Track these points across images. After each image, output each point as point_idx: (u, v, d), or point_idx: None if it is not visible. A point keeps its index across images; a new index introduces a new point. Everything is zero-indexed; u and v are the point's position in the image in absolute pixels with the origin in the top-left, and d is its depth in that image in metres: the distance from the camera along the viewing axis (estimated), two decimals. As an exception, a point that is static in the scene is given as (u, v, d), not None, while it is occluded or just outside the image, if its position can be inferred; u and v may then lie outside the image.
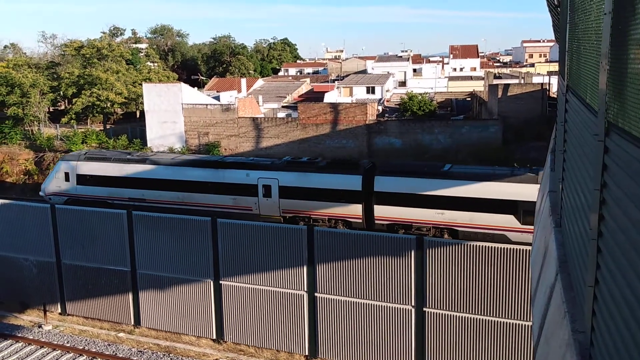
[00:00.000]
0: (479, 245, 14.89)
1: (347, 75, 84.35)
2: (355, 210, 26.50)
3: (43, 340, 18.10)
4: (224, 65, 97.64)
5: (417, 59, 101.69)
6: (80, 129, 58.67)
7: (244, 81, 74.05)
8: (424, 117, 50.93)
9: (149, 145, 51.04)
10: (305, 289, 16.79)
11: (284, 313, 17.14)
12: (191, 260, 18.08)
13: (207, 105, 52.14)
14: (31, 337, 18.27)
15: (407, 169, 26.76)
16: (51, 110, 69.57)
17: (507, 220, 23.72)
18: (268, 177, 28.03)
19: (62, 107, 74.57)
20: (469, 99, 64.04)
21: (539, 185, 17.65)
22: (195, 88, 62.05)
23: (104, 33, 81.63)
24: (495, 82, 58.18)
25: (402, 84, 79.46)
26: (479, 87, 70.38)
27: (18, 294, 20.78)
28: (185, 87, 53.57)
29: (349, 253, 16.13)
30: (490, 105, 49.04)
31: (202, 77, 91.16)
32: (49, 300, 20.13)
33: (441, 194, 24.71)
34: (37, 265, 20.17)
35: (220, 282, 17.77)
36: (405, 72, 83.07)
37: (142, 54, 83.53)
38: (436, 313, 15.41)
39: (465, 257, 14.91)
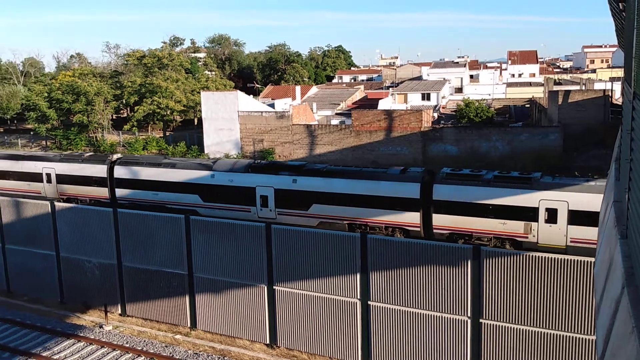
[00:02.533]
0: (538, 256, 14.45)
1: (401, 82, 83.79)
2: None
3: (104, 340, 18.71)
4: (279, 73, 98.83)
5: (474, 65, 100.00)
6: (142, 135, 60.67)
7: (298, 89, 74.74)
8: (481, 124, 49.95)
9: (206, 151, 52.22)
10: (359, 297, 16.72)
11: (336, 320, 17.12)
12: (245, 265, 18.33)
13: (262, 112, 52.90)
14: (92, 337, 18.92)
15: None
16: (114, 117, 72.26)
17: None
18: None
19: (125, 115, 77.34)
20: (528, 105, 62.41)
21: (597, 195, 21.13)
22: (251, 96, 63.08)
23: (164, 43, 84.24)
24: (556, 88, 56.47)
25: (459, 90, 78.25)
26: (538, 93, 68.48)
27: (81, 294, 21.60)
28: (241, 95, 54.57)
29: (403, 261, 15.97)
30: (550, 112, 47.63)
31: (258, 85, 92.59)
32: (110, 301, 20.81)
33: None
34: (99, 267, 20.91)
35: (274, 287, 17.94)
36: (461, 79, 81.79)
37: (201, 63, 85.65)
38: (493, 325, 15.04)
39: (525, 267, 14.51)
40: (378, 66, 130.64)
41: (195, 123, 66.99)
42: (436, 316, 15.71)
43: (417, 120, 46.64)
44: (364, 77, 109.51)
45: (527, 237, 25.41)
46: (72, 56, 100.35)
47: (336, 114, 64.77)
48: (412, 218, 27.33)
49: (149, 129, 66.13)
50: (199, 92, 59.52)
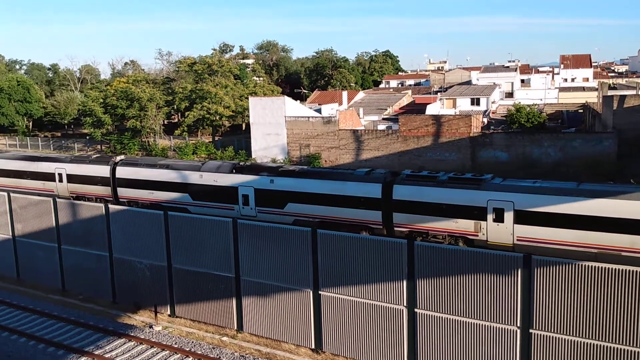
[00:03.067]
0: (592, 266, 13.99)
1: (450, 87, 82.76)
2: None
3: (153, 340, 19.15)
4: (326, 79, 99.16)
5: (525, 69, 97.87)
6: (191, 140, 61.97)
7: (345, 94, 74.83)
8: (532, 130, 48.77)
9: (253, 156, 52.88)
10: (405, 304, 16.57)
11: (382, 327, 17.00)
12: (291, 269, 18.44)
13: (308, 117, 53.18)
14: (142, 337, 19.39)
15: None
16: (165, 122, 74.10)
17: None
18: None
19: (176, 120, 79.22)
20: (581, 110, 60.56)
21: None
22: (298, 101, 63.57)
23: (214, 50, 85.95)
24: (610, 93, 54.63)
25: (509, 95, 76.70)
26: (592, 98, 66.42)
27: (132, 295, 22.18)
28: (288, 100, 55.03)
29: (450, 269, 15.74)
30: (605, 118, 46.09)
31: (305, 91, 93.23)
32: (159, 302, 21.29)
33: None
34: (150, 268, 21.43)
35: (320, 292, 17.97)
36: (512, 83, 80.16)
37: (249, 69, 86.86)
38: (543, 335, 14.64)
39: (577, 277, 14.07)
40: (426, 71, 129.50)
41: (243, 128, 67.99)
42: (485, 325, 15.40)
43: (466, 125, 45.97)
44: (411, 82, 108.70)
45: (477, 236, 27.10)
46: (126, 63, 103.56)
47: (383, 119, 64.52)
48: (374, 216, 29.42)
49: (199, 134, 67.49)
50: (247, 98, 60.40)
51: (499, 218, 26.43)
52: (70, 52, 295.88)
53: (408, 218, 28.57)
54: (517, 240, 26.21)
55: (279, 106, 52.65)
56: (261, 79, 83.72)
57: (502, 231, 26.50)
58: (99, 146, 66.28)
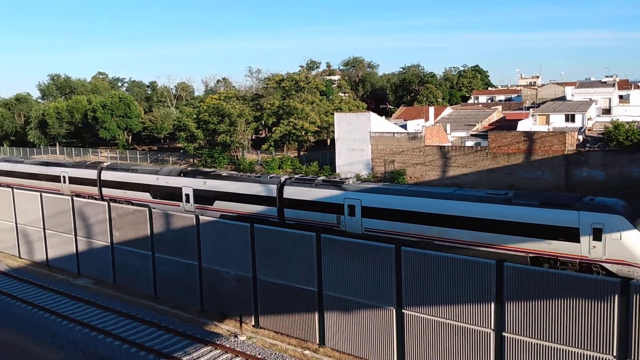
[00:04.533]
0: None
1: (543, 103, 79.64)
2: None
3: (238, 349, 19.57)
4: (412, 94, 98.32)
5: (624, 84, 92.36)
6: (278, 155, 63.29)
7: (431, 109, 73.79)
8: (632, 148, 45.87)
9: (337, 171, 53.16)
10: (492, 327, 15.97)
11: (467, 349, 16.46)
12: (374, 286, 18.28)
13: (394, 133, 52.85)
14: (228, 346, 19.87)
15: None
16: (253, 137, 76.23)
17: None
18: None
19: (263, 135, 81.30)
20: (688, 128, 56.18)
21: None
22: (383, 117, 63.37)
23: (302, 67, 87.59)
24: None
25: (607, 111, 72.67)
26: (701, 114, 61.63)
27: (219, 304, 22.82)
28: (373, 115, 54.97)
29: (541, 292, 15.01)
30: None
31: (390, 106, 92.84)
32: (244, 312, 21.77)
33: None
34: (236, 279, 21.98)
35: (403, 310, 17.68)
36: (609, 99, 75.94)
37: (335, 85, 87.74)
38: (645, 369, 13.60)
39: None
40: (517, 86, 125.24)
41: (328, 143, 68.64)
42: (577, 353, 14.54)
43: (560, 142, 43.98)
44: (501, 97, 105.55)
45: (339, 227, 32.82)
46: (218, 81, 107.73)
47: (471, 135, 63.01)
48: (272, 211, 35.92)
49: (285, 148, 68.84)
50: (332, 114, 60.98)
51: (352, 213, 32.50)
52: (167, 71, 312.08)
53: (294, 212, 35.07)
54: (365, 230, 31.92)
55: (364, 122, 52.72)
56: (347, 94, 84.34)
57: (355, 223, 32.41)
58: (191, 160, 69.14)
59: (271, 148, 63.62)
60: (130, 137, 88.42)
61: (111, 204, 27.34)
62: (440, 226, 29.63)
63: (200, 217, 23.39)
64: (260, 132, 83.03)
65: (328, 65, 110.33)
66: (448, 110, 79.88)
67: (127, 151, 77.54)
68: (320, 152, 63.21)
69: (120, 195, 44.96)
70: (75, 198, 29.38)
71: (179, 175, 41.67)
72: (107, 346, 20.34)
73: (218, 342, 20.13)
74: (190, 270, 23.55)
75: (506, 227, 27.47)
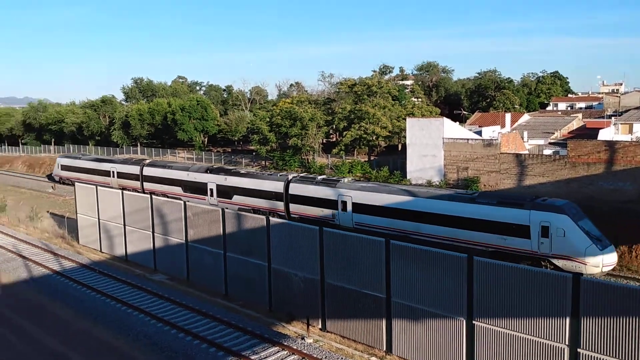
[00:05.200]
0: None
1: (626, 111, 75.65)
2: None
3: (305, 352, 19.69)
4: (488, 100, 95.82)
5: None
6: (348, 159, 63.37)
7: (508, 116, 71.67)
8: None
9: (408, 177, 52.54)
10: (567, 343, 15.29)
11: (541, 365, 15.83)
12: (444, 295, 17.93)
13: (468, 139, 51.71)
14: (295, 347, 20.03)
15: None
16: (324, 141, 76.66)
17: None
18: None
19: (334, 139, 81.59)
20: None
21: None
22: (457, 123, 62.09)
23: (374, 71, 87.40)
24: None
25: (699, 120, 67.95)
26: None
27: (287, 305, 23.09)
28: (447, 121, 53.97)
29: (621, 308, 14.23)
30: None
31: (465, 112, 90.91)
32: (312, 314, 21.91)
33: None
34: (304, 281, 22.16)
35: (473, 321, 17.24)
36: None
37: (408, 90, 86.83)
38: None
39: None
40: (599, 93, 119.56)
41: (399, 149, 67.99)
42: (663, 378, 13.66)
43: (645, 152, 41.51)
44: (582, 104, 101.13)
45: (333, 220, 36.35)
46: (291, 85, 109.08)
47: (549, 143, 60.69)
48: (280, 205, 39.96)
49: (355, 153, 68.81)
50: (404, 119, 60.38)
51: (344, 208, 36.07)
52: (243, 75, 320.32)
53: (298, 207, 38.96)
54: (355, 224, 35.14)
55: (437, 127, 51.86)
56: (420, 100, 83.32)
57: (347, 217, 35.93)
58: (263, 162, 70.42)
59: (341, 152, 63.73)
60: (206, 139, 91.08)
61: (187, 203, 28.27)
62: (418, 222, 32.43)
63: (271, 218, 23.76)
64: (331, 136, 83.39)
65: (401, 70, 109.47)
66: (525, 117, 77.30)
67: (203, 152, 79.90)
68: (391, 157, 62.69)
69: (157, 189, 49.33)
70: (154, 197, 30.57)
71: (205, 172, 46.48)
72: (180, 341, 21.00)
73: (285, 343, 20.34)
74: (259, 271, 23.97)
75: (470, 223, 30.37)
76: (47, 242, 36.86)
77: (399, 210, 33.23)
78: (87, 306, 25.08)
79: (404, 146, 57.31)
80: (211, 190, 45.16)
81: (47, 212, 47.03)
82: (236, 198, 42.97)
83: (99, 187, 34.78)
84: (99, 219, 33.95)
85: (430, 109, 73.40)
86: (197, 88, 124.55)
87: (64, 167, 64.93)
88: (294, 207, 39.26)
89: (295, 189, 39.21)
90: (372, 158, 65.58)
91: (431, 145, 51.75)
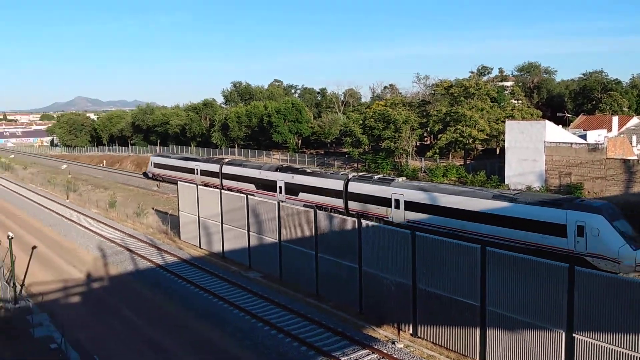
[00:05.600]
0: None
1: None
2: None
3: (395, 356, 19.53)
4: (593, 102, 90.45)
5: None
6: (442, 163, 62.14)
7: (615, 119, 67.30)
8: None
9: (506, 182, 50.71)
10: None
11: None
12: (542, 305, 17.13)
13: (571, 144, 49.15)
14: (385, 352, 19.92)
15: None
16: (418, 144, 75.67)
17: None
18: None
19: (428, 142, 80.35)
20: None
21: None
22: (560, 126, 59.12)
23: (472, 73, 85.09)
24: None
25: None
26: None
27: (377, 308, 23.02)
28: (549, 124, 51.55)
29: None
30: None
31: (568, 115, 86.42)
32: (402, 319, 21.69)
33: None
34: (395, 285, 21.99)
35: (573, 335, 16.35)
36: None
37: (507, 92, 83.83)
38: None
39: None
40: None
41: (497, 152, 65.77)
42: None
43: None
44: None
45: (387, 217, 38.03)
46: (385, 87, 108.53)
47: (662, 148, 56.24)
48: (340, 203, 42.03)
49: (450, 156, 67.33)
50: (503, 121, 58.29)
51: (397, 206, 37.66)
52: (337, 78, 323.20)
53: (355, 205, 41.04)
54: (407, 221, 36.63)
55: (538, 131, 49.65)
56: (520, 102, 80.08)
57: (399, 215, 37.55)
58: (355, 164, 70.61)
59: (436, 155, 62.59)
60: (300, 141, 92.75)
61: (281, 204, 28.92)
62: (463, 220, 33.30)
63: (363, 221, 23.78)
64: (425, 138, 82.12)
65: (500, 71, 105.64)
66: (634, 121, 72.12)
67: (296, 154, 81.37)
68: (488, 161, 60.73)
69: (234, 186, 52.74)
70: (249, 197, 31.55)
71: (275, 170, 49.44)
72: (272, 338, 21.52)
73: (376, 347, 20.28)
74: (350, 273, 24.06)
75: (511, 222, 31.11)
76: (151, 237, 39.07)
77: (445, 208, 34.51)
78: (186, 299, 26.31)
79: (502, 150, 55.40)
80: (280, 187, 47.74)
81: (152, 208, 49.80)
82: (302, 195, 45.36)
83: (199, 187, 36.37)
84: (198, 216, 35.52)
85: (531, 111, 70.33)
86: (292, 91, 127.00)
87: (156, 165, 70.69)
88: (352, 204, 41.38)
89: (354, 187, 41.31)
90: (467, 162, 63.90)
91: (532, 149, 49.63)
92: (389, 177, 42.94)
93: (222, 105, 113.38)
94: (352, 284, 24.09)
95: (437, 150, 62.37)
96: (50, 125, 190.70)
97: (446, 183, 50.27)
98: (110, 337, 22.47)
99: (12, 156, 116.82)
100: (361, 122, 68.33)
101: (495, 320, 18.51)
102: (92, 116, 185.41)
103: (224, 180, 56.15)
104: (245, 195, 31.88)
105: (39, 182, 71.40)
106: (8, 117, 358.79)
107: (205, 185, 45.89)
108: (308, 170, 48.69)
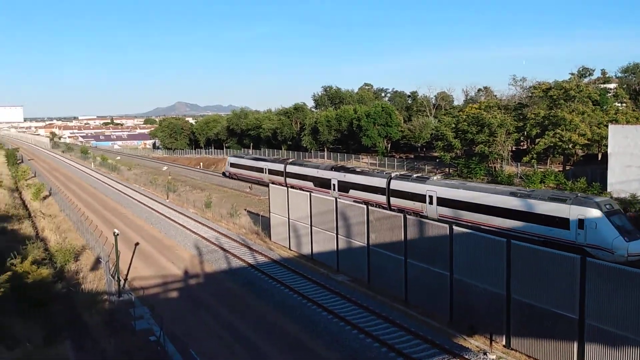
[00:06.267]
0: None
1: None
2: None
3: (486, 367, 18.93)
4: None
5: None
6: (540, 168, 59.57)
7: None
8: None
9: (608, 189, 47.87)
10: None
11: None
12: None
13: (685, 150, 45.53)
14: (475, 361, 19.36)
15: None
16: (513, 149, 73.00)
17: None
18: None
19: (524, 147, 77.33)
20: None
21: None
22: (672, 130, 54.71)
23: (572, 74, 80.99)
24: None
25: None
26: None
27: (468, 317, 22.42)
28: (659, 129, 48.05)
29: None
30: None
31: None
32: (495, 330, 21.01)
33: None
34: (488, 294, 21.33)
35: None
36: None
37: (610, 94, 79.06)
38: None
39: None
40: None
41: (599, 158, 62.17)
42: None
43: None
44: None
45: (422, 212, 41.71)
46: (479, 90, 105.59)
47: None
48: (383, 199, 46.58)
49: (548, 162, 64.41)
50: (606, 126, 55.01)
51: (431, 202, 41.76)
52: (429, 81, 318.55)
53: (397, 201, 45.56)
54: (439, 216, 40.20)
55: (646, 135, 46.41)
56: (624, 105, 75.23)
57: (432, 210, 41.51)
58: (447, 169, 69.19)
59: (533, 161, 60.03)
60: (389, 145, 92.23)
61: (369, 207, 28.91)
62: (485, 214, 37.08)
63: (454, 227, 23.28)
64: (522, 143, 79.04)
65: (603, 73, 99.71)
66: None
67: (386, 158, 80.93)
68: (589, 167, 57.45)
69: (295, 184, 57.60)
70: (338, 200, 31.78)
71: (330, 169, 55.37)
72: (360, 342, 21.53)
73: (467, 357, 19.76)
74: (440, 280, 23.61)
75: (525, 216, 34.54)
76: (244, 237, 40.32)
77: (469, 203, 38.61)
78: (276, 299, 26.91)
79: (605, 155, 52.32)
80: (334, 185, 53.35)
81: (245, 209, 51.37)
82: (351, 192, 50.34)
83: (289, 190, 37.08)
84: (288, 218, 36.23)
85: (637, 114, 65.82)
86: (382, 95, 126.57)
87: (232, 165, 78.50)
88: (393, 200, 46.03)
89: (395, 185, 46.03)
90: (567, 168, 60.84)
91: (637, 156, 46.50)
92: (425, 176, 47.71)
93: (313, 110, 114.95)
94: (442, 291, 23.63)
95: (535, 156, 59.84)
96: (152, 129, 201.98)
97: (475, 181, 53.67)
98: (205, 332, 23.39)
99: (119, 158, 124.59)
100: (453, 125, 66.88)
101: (595, 334, 17.50)
102: (191, 120, 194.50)
103: (287, 179, 61.75)
104: (334, 199, 32.16)
105: (142, 182, 75.66)
106: (115, 121, 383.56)
107: (273, 184, 51.51)
108: (358, 170, 53.43)
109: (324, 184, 54.85)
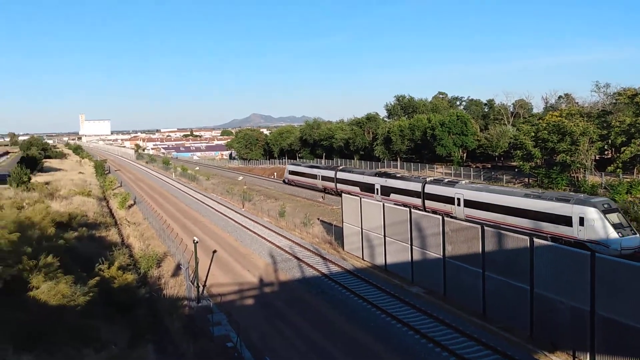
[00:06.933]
0: None
1: None
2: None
3: (569, 386, 18.10)
4: None
5: None
6: (626, 178, 56.51)
7: None
8: None
9: None
10: None
11: None
12: None
13: None
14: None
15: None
16: (597, 158, 69.68)
17: None
18: None
19: (609, 156, 73.62)
20: None
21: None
22: None
23: (662, 79, 76.40)
24: None
25: None
26: None
27: (549, 333, 21.54)
28: None
29: None
30: None
31: None
32: (578, 347, 20.07)
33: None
34: (571, 310, 20.40)
35: None
36: None
37: None
38: None
39: None
40: None
41: (693, 167, 58.19)
42: None
43: None
44: None
45: (452, 213, 46.06)
46: (560, 97, 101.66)
47: None
48: (418, 201, 51.15)
49: (635, 171, 61.00)
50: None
51: (459, 204, 46.18)
52: (506, 88, 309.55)
53: (431, 204, 49.65)
54: (466, 216, 43.92)
55: None
56: None
57: (460, 211, 45.71)
58: (526, 179, 66.91)
59: (618, 170, 57.07)
60: (464, 154, 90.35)
61: (445, 219, 28.42)
62: (504, 214, 40.94)
63: (535, 240, 22.46)
64: (606, 152, 75.32)
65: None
66: None
67: (461, 168, 79.28)
68: (682, 177, 53.90)
69: (344, 189, 62.32)
70: (412, 210, 31.42)
71: (374, 175, 61.27)
72: (436, 356, 21.14)
73: (547, 374, 18.96)
74: (520, 294, 22.81)
75: (537, 215, 38.28)
76: (317, 246, 40.62)
77: (489, 204, 42.72)
78: (349, 309, 26.89)
79: (700, 164, 48.84)
80: (377, 189, 58.39)
81: (318, 219, 51.74)
82: (392, 196, 55.17)
83: (362, 199, 37.04)
84: (361, 228, 36.17)
85: None
86: (457, 103, 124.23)
87: (291, 172, 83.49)
88: (428, 203, 50.46)
89: (429, 188, 50.65)
90: (656, 177, 57.29)
91: None
92: (455, 180, 53.02)
93: (385, 119, 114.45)
94: (522, 306, 22.81)
95: (620, 165, 56.88)
96: (229, 140, 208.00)
97: (498, 185, 58.33)
98: (280, 340, 23.71)
99: (197, 168, 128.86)
100: (533, 134, 64.67)
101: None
102: (265, 131, 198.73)
103: (338, 185, 67.86)
104: (408, 209, 31.85)
105: (219, 191, 77.91)
106: (194, 133, 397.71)
107: (324, 189, 62.52)
108: (398, 175, 59.47)
109: (368, 188, 59.89)
